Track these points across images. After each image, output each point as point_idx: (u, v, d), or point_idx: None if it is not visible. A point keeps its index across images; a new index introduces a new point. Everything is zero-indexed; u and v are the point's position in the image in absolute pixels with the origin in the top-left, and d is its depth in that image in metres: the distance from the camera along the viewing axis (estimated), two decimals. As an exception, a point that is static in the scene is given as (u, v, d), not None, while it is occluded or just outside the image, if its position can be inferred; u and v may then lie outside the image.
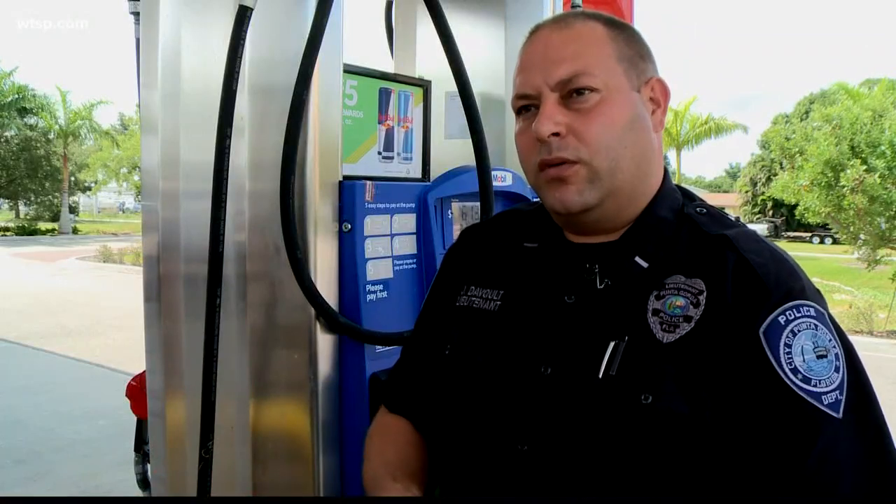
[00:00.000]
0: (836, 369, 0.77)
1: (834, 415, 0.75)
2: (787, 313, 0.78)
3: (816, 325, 0.78)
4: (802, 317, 0.78)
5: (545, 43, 0.88)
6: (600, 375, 0.80)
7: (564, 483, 0.82)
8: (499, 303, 0.94)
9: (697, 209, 0.90)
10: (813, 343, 0.77)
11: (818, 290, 0.84)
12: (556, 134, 0.84)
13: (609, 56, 0.86)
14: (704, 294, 0.81)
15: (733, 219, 0.91)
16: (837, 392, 0.76)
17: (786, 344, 0.76)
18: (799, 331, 0.77)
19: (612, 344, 0.81)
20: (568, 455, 0.81)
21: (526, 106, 0.89)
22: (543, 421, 0.83)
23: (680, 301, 0.82)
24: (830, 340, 0.79)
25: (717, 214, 0.90)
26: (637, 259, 0.86)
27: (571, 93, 0.84)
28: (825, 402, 0.75)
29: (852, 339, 0.82)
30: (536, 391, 0.84)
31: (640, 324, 0.82)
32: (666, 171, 0.93)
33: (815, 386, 0.75)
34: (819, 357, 0.77)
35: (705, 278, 0.82)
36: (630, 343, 0.81)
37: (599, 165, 0.84)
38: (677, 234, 0.88)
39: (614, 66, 0.86)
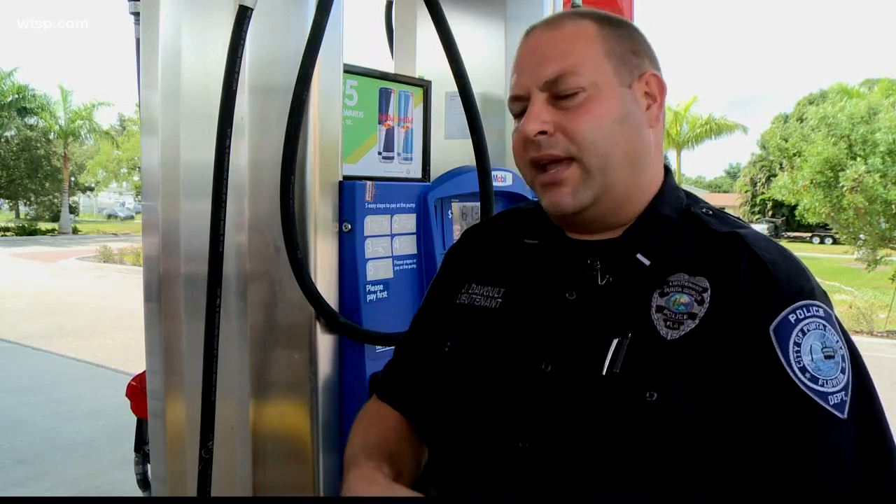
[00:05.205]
0: (843, 370, 0.77)
1: (839, 415, 0.75)
2: (797, 312, 0.78)
3: (825, 326, 0.79)
4: (812, 317, 0.78)
5: (535, 44, 0.89)
6: (604, 372, 0.80)
7: (565, 480, 0.81)
8: (500, 300, 0.94)
9: (704, 210, 0.91)
10: (821, 343, 0.77)
11: (825, 292, 0.84)
12: (544, 132, 0.85)
13: (597, 53, 0.86)
14: (709, 292, 0.81)
15: (740, 220, 0.91)
16: (843, 393, 0.76)
17: (795, 343, 0.77)
18: (808, 330, 0.78)
19: (615, 341, 0.81)
20: (569, 452, 0.81)
21: (522, 110, 0.89)
22: (544, 418, 0.83)
23: (684, 298, 0.82)
24: (838, 342, 0.79)
25: (723, 216, 0.91)
26: (639, 256, 0.86)
27: (559, 92, 0.85)
28: (831, 403, 0.75)
29: (852, 338, 0.82)
30: (537, 388, 0.84)
31: (643, 321, 0.82)
32: (668, 170, 0.93)
33: (822, 385, 0.75)
34: (827, 357, 0.77)
35: (710, 276, 0.82)
36: (634, 340, 0.81)
37: (590, 162, 0.85)
38: (682, 232, 0.88)
39: (602, 63, 0.86)
